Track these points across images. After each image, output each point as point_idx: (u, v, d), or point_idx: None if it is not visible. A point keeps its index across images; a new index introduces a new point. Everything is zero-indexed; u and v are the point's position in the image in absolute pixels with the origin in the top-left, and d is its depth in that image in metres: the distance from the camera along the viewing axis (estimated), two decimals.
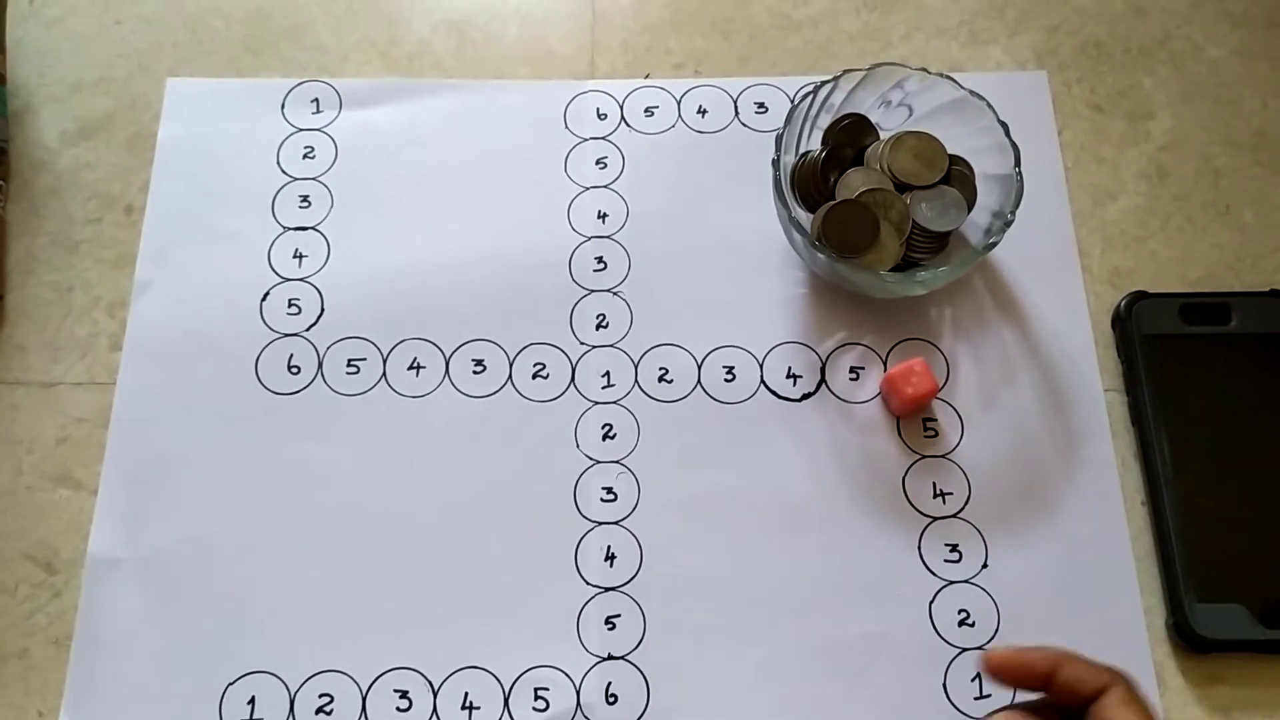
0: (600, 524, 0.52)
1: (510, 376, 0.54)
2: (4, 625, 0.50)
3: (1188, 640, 0.49)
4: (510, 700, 0.49)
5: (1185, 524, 0.50)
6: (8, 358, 0.55)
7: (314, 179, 0.59)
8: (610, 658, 0.49)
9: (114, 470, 0.52)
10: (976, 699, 0.49)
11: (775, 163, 0.53)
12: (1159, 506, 0.51)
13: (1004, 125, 0.53)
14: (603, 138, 0.60)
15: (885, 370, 0.55)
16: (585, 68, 0.61)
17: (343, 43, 0.62)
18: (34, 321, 0.55)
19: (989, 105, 0.54)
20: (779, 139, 0.53)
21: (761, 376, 0.54)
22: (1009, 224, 0.51)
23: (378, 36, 0.62)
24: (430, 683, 0.49)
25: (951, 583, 0.51)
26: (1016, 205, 0.51)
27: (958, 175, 0.55)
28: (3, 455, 0.53)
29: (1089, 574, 0.51)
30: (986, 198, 0.54)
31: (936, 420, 0.54)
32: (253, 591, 0.50)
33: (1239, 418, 0.53)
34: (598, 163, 0.59)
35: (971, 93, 0.54)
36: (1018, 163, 0.52)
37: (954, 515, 0.52)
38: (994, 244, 0.51)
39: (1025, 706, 0.42)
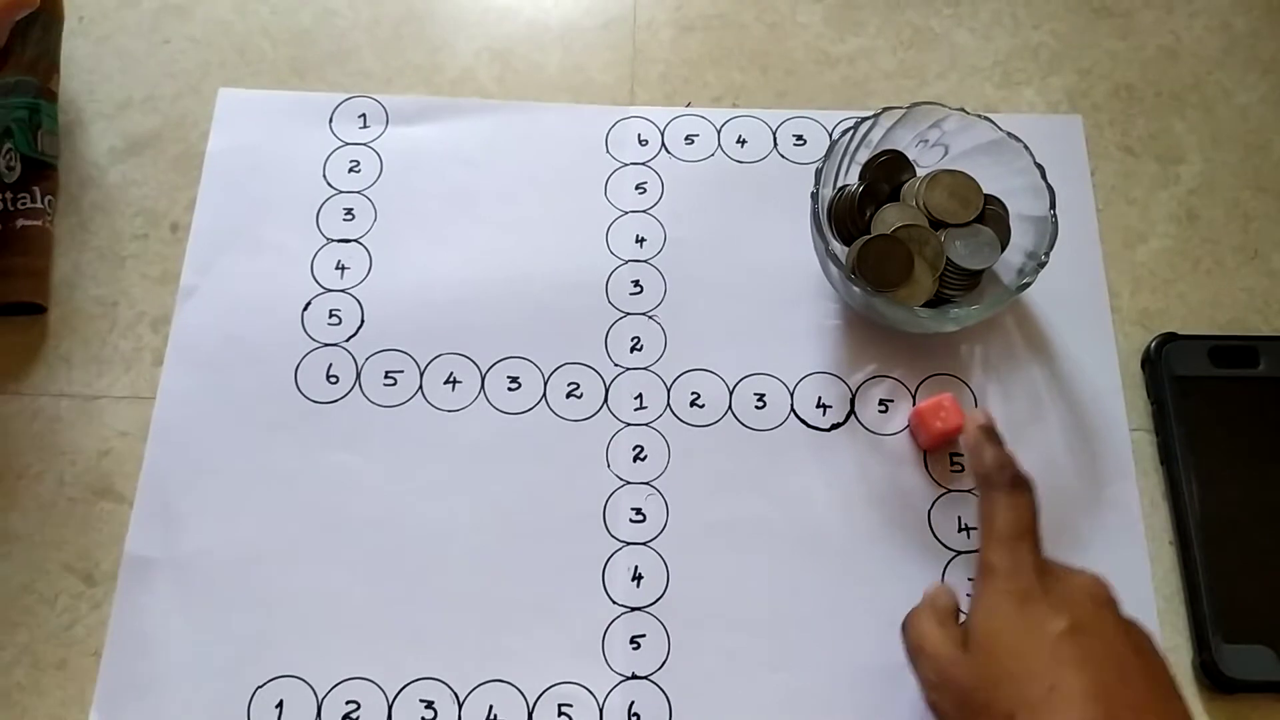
0: (628, 544, 0.52)
1: (544, 395, 0.55)
2: (43, 636, 0.50)
3: (1214, 681, 0.49)
4: (534, 715, 0.49)
5: (1213, 565, 0.51)
6: (53, 370, 0.55)
7: (359, 192, 0.60)
8: (634, 677, 0.50)
9: (153, 471, 0.53)
10: None
11: (814, 195, 0.54)
12: (1187, 547, 0.51)
13: (1040, 168, 0.54)
14: (643, 163, 0.61)
15: (914, 404, 0.55)
16: (625, 97, 0.63)
17: (387, 67, 0.63)
18: (79, 335, 0.56)
19: (1026, 147, 0.54)
20: (818, 172, 0.54)
21: (792, 405, 0.55)
22: (1043, 265, 0.52)
23: (422, 62, 0.63)
24: (455, 694, 0.49)
25: None
26: (1051, 247, 0.52)
27: (992, 214, 0.56)
28: (45, 466, 0.53)
29: None
30: (1020, 237, 0.55)
31: (963, 455, 0.54)
32: (284, 597, 0.51)
33: (1267, 460, 0.53)
34: (637, 188, 0.60)
35: (1009, 134, 0.55)
36: (1053, 205, 0.53)
37: (978, 550, 0.52)
38: (1027, 284, 0.51)
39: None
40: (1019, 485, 0.46)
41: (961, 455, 0.54)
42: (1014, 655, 0.42)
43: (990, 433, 0.47)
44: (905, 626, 0.47)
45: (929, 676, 0.45)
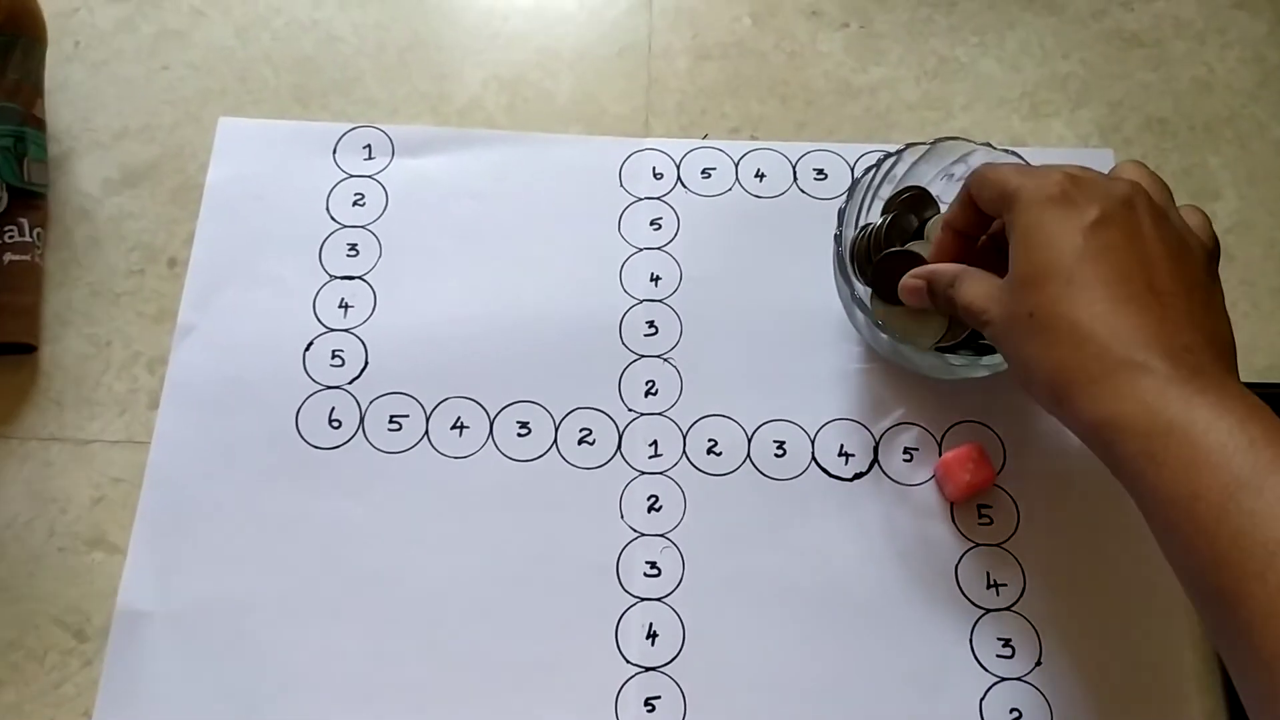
0: (643, 599, 0.50)
1: (555, 441, 0.53)
2: (31, 695, 0.48)
3: None
4: None
5: None
6: (43, 412, 0.53)
7: (363, 227, 0.58)
8: None
9: (147, 520, 0.51)
10: None
11: (837, 238, 0.52)
12: None
13: None
14: (658, 198, 0.59)
15: (940, 452, 0.53)
16: (639, 128, 0.61)
17: (393, 95, 0.61)
18: (71, 376, 0.54)
19: None
20: (841, 213, 0.52)
21: (813, 453, 0.53)
22: None
23: (428, 90, 0.61)
24: None
25: (1004, 679, 0.49)
26: None
27: None
28: (35, 515, 0.51)
29: (1146, 676, 0.49)
30: None
31: (991, 507, 0.52)
32: (282, 652, 0.49)
33: None
34: (652, 223, 0.58)
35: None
36: None
37: (1008, 608, 0.50)
38: None
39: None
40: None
41: (989, 507, 0.52)
42: (1044, 247, 0.41)
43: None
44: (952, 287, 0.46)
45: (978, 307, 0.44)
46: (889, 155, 0.53)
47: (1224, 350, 0.40)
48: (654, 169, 0.59)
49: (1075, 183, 0.42)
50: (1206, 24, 0.64)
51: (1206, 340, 0.39)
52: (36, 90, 0.57)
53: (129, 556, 0.50)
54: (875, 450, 0.53)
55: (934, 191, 0.55)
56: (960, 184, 0.55)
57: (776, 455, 0.53)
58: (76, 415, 0.53)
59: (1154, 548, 0.51)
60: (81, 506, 0.51)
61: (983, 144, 0.53)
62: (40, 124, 0.57)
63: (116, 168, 0.59)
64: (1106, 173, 0.44)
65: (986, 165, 0.46)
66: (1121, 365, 0.38)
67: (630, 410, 0.54)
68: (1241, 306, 0.57)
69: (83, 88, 0.60)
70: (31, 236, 0.55)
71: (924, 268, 0.49)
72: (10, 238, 0.55)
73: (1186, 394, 0.37)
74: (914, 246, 0.53)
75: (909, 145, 0.54)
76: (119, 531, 0.51)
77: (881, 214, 0.55)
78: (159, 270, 0.56)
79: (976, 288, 0.44)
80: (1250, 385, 0.53)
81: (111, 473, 0.52)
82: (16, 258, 0.54)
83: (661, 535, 0.51)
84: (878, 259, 0.52)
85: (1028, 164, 0.47)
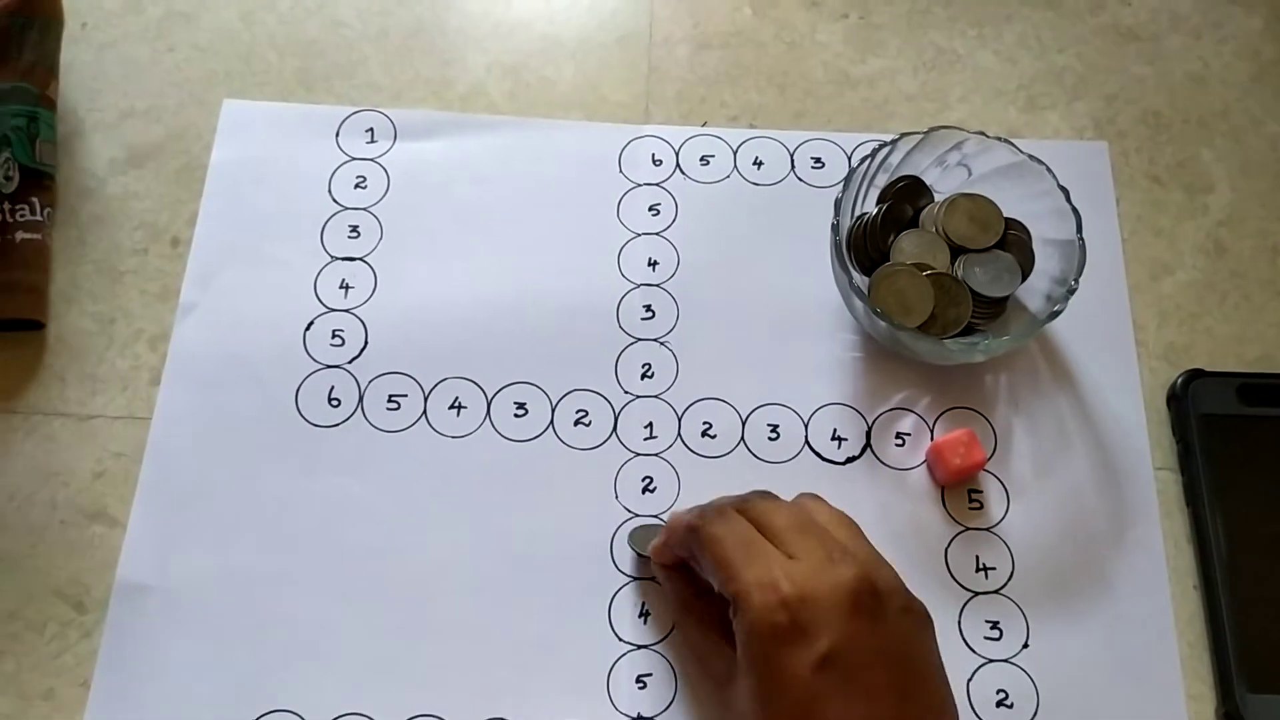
0: (636, 579, 0.51)
1: (552, 422, 0.54)
2: (31, 664, 0.49)
3: None
4: None
5: (1239, 611, 0.49)
6: (46, 388, 0.54)
7: (365, 209, 0.58)
8: (640, 718, 0.48)
9: (147, 495, 0.52)
10: None
11: (834, 227, 0.52)
12: (1212, 591, 0.50)
13: (1064, 190, 0.52)
14: (657, 184, 0.59)
15: (931, 437, 0.54)
16: (639, 116, 0.61)
17: (396, 80, 0.62)
18: (74, 352, 0.55)
19: (1049, 169, 0.53)
20: (837, 203, 0.53)
21: (806, 437, 0.54)
22: (1072, 291, 0.50)
23: (431, 75, 0.62)
24: None
25: (991, 660, 0.49)
26: (1080, 272, 0.50)
27: (1014, 240, 0.54)
28: (37, 488, 0.52)
29: (1133, 658, 0.49)
30: (1045, 263, 0.54)
31: (982, 492, 0.53)
32: (279, 626, 0.49)
33: None
34: (650, 209, 0.58)
35: (1030, 156, 0.53)
36: (1079, 229, 0.51)
37: (996, 591, 0.51)
38: (1058, 312, 0.50)
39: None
40: (727, 513, 0.44)
41: (980, 492, 0.53)
42: (778, 695, 0.39)
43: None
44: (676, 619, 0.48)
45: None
46: (884, 145, 0.54)
47: None
48: (653, 155, 0.60)
49: (801, 603, 0.39)
50: (1202, 19, 0.64)
51: None
52: (51, 72, 0.58)
53: (129, 530, 0.51)
54: (868, 435, 0.54)
55: (928, 180, 0.56)
56: (952, 172, 0.56)
57: (770, 438, 0.54)
58: (79, 391, 0.54)
59: (1141, 533, 0.52)
60: (83, 480, 0.52)
61: (976, 132, 0.54)
62: (52, 105, 0.58)
63: (122, 148, 0.59)
64: (789, 502, 0.45)
65: (712, 531, 0.43)
66: None
67: (626, 393, 0.54)
68: (1233, 298, 0.57)
69: (89, 69, 0.61)
70: (42, 215, 0.56)
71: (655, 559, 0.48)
72: (22, 216, 0.55)
73: None
74: (907, 237, 0.54)
75: (903, 135, 0.54)
76: (119, 505, 0.51)
77: (877, 203, 0.56)
78: (162, 249, 0.57)
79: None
80: (1241, 376, 0.54)
81: (113, 448, 0.53)
82: (28, 236, 0.55)
83: (655, 516, 0.52)
84: (878, 278, 0.53)
85: (758, 517, 0.44)
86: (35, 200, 0.56)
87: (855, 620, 0.39)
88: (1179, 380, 0.54)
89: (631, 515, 0.52)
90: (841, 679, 0.38)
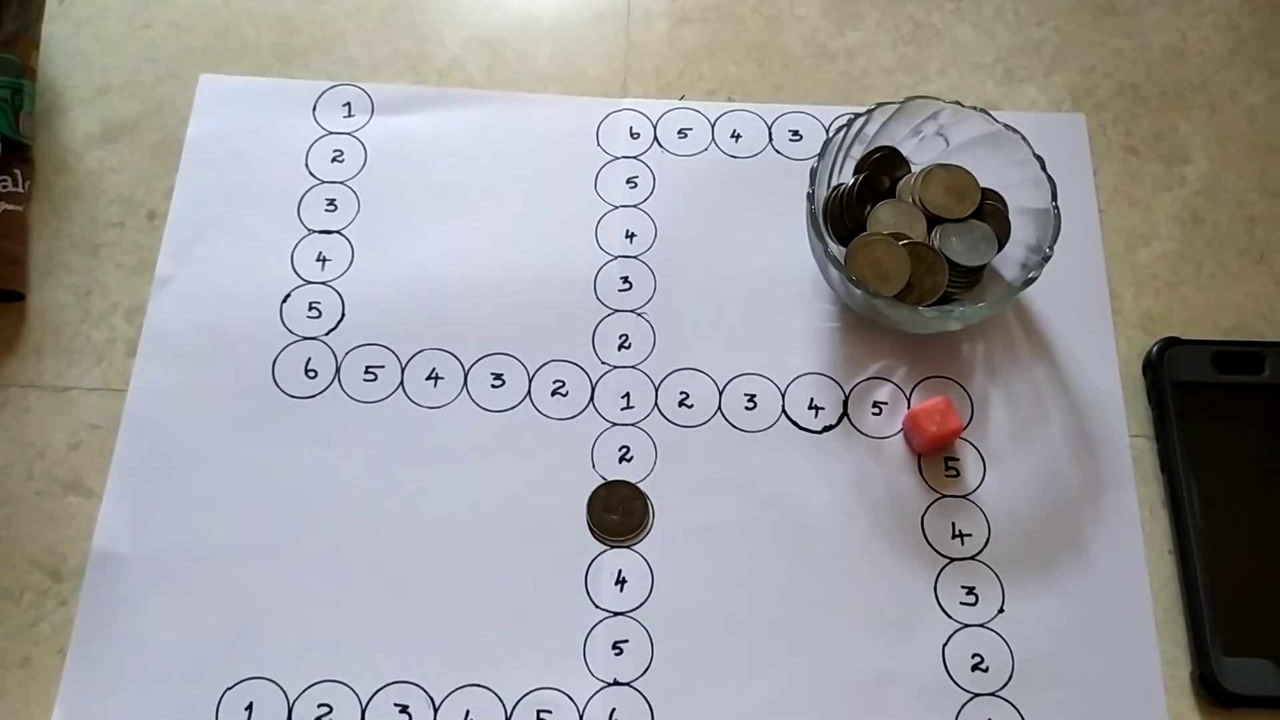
0: (613, 547, 0.51)
1: (529, 392, 0.54)
2: (7, 632, 0.49)
3: (1213, 694, 0.47)
4: None
5: (1213, 575, 0.49)
6: (22, 360, 0.54)
7: (342, 183, 0.58)
8: (616, 683, 0.48)
9: (123, 465, 0.52)
10: None
11: (810, 197, 0.52)
12: (1187, 556, 0.50)
13: (1039, 159, 0.52)
14: (634, 157, 0.59)
15: (908, 406, 0.54)
16: (618, 90, 0.61)
17: (373, 55, 0.62)
18: (50, 325, 0.55)
19: (1024, 139, 0.53)
20: (813, 173, 0.53)
21: (783, 406, 0.54)
22: (1047, 259, 0.50)
23: (409, 50, 0.62)
24: (431, 699, 0.48)
25: (966, 626, 0.50)
26: (1055, 240, 0.51)
27: (990, 209, 0.54)
28: (13, 459, 0.52)
29: (1107, 623, 0.50)
30: (1021, 232, 0.54)
31: (958, 460, 0.53)
32: (257, 596, 0.49)
33: (1271, 469, 0.52)
34: (628, 182, 0.59)
35: (1006, 126, 0.53)
36: (1054, 197, 0.51)
37: (972, 557, 0.51)
38: (1033, 279, 0.50)
39: None
40: None
41: (956, 460, 0.53)
42: None
43: None
44: None
45: None
46: (859, 115, 0.54)
47: None
48: (631, 129, 0.60)
49: None
50: None
51: None
52: (33, 42, 0.58)
53: (105, 501, 0.51)
54: (845, 404, 0.54)
55: (905, 151, 0.56)
56: (929, 142, 0.56)
57: (747, 408, 0.54)
58: (55, 363, 0.54)
59: (1116, 499, 0.52)
60: (59, 452, 0.52)
61: (951, 102, 0.54)
62: (34, 76, 0.58)
63: (98, 122, 0.59)
64: None
65: None
66: None
67: (603, 363, 0.54)
68: (1209, 268, 0.57)
69: (66, 45, 0.61)
70: (23, 188, 0.56)
71: None
72: (5, 187, 0.55)
73: None
74: (884, 208, 0.54)
75: (879, 105, 0.54)
76: (95, 476, 0.51)
77: (854, 174, 0.56)
78: (138, 223, 0.57)
79: None
80: (1216, 344, 0.54)
81: (89, 419, 0.53)
82: (10, 207, 0.55)
83: (633, 484, 0.52)
84: (855, 247, 0.52)
85: None
86: (17, 172, 0.56)
87: None
88: (1154, 348, 0.54)
89: (606, 483, 0.52)
90: None
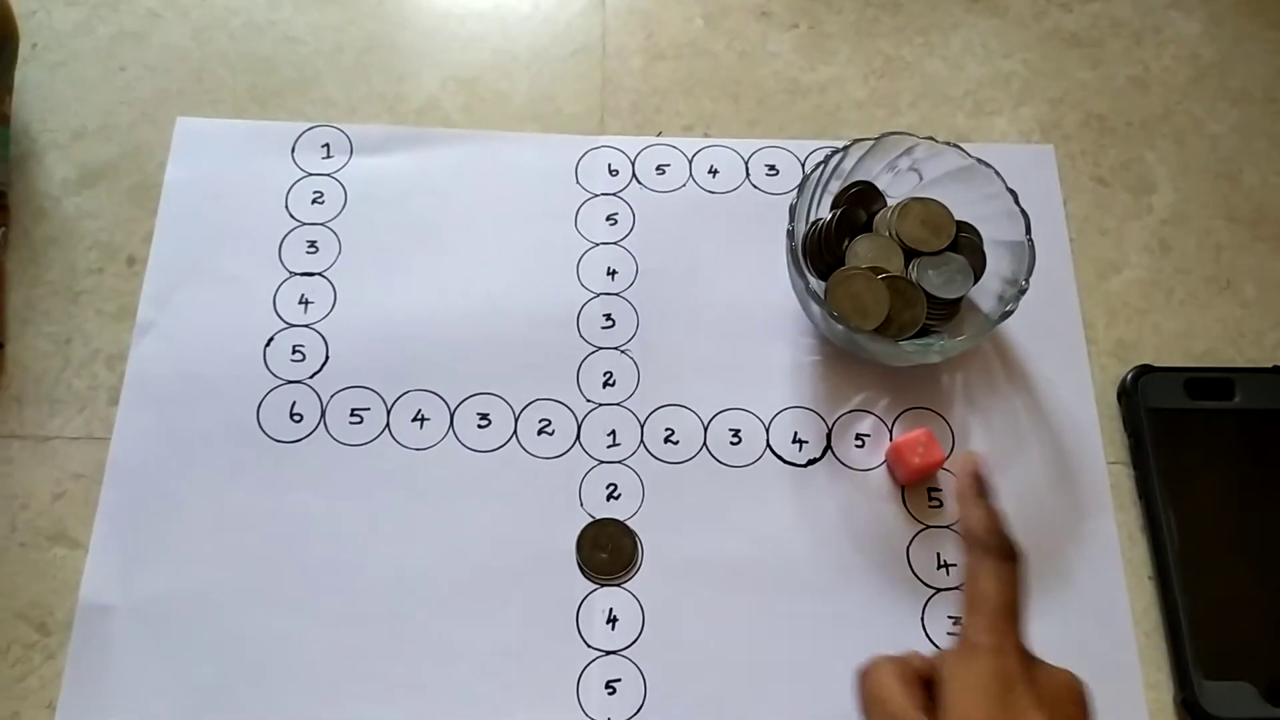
0: (603, 585, 0.51)
1: (515, 432, 0.54)
2: None
3: (1196, 718, 0.48)
4: None
5: (1193, 600, 0.50)
6: (3, 410, 0.53)
7: (322, 224, 0.58)
8: None
9: (109, 515, 0.51)
10: None
11: (790, 233, 0.53)
12: (1166, 581, 0.51)
13: (1013, 192, 0.53)
14: (614, 194, 0.60)
15: (891, 438, 0.54)
16: (595, 127, 0.62)
17: (350, 96, 0.62)
18: (31, 373, 0.54)
19: (997, 173, 0.54)
20: (792, 209, 0.53)
21: (768, 440, 0.54)
22: (1024, 291, 0.51)
23: (386, 91, 0.62)
24: None
25: None
26: (1030, 272, 0.52)
27: (966, 242, 0.55)
28: None
29: (1090, 649, 0.50)
30: (996, 264, 0.55)
31: (941, 490, 0.54)
32: (245, 644, 0.49)
33: (1246, 493, 0.53)
34: (608, 219, 0.59)
35: (979, 160, 0.54)
36: (1029, 230, 0.52)
37: (958, 587, 0.52)
38: (1010, 312, 0.51)
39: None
40: (1008, 554, 0.41)
41: (939, 490, 0.53)
42: None
43: (982, 485, 0.43)
44: (863, 675, 0.42)
45: None
46: (837, 151, 0.55)
47: None
48: (609, 166, 0.60)
49: None
50: (1142, 24, 0.66)
51: None
52: (6, 87, 0.58)
53: (91, 551, 0.50)
54: (828, 437, 0.55)
55: (880, 185, 0.57)
56: (904, 176, 0.57)
57: (732, 443, 0.54)
58: (37, 412, 0.53)
59: (1096, 526, 0.53)
60: (43, 502, 0.52)
61: (925, 138, 0.55)
62: (7, 121, 0.57)
63: (74, 167, 0.59)
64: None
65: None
66: None
67: (589, 401, 0.55)
68: (1178, 295, 0.59)
69: (40, 89, 0.61)
70: None
71: None
72: None
73: None
74: (862, 242, 0.55)
75: (855, 141, 0.55)
76: (80, 527, 0.51)
77: (831, 209, 0.57)
78: (118, 269, 0.57)
79: (895, 692, 0.41)
80: (1188, 370, 0.55)
81: (72, 468, 0.52)
82: None
83: (620, 522, 0.52)
84: (834, 282, 0.53)
85: None
86: None
87: (1078, 711, 0.41)
88: (1129, 376, 0.55)
89: (595, 521, 0.52)
90: None
